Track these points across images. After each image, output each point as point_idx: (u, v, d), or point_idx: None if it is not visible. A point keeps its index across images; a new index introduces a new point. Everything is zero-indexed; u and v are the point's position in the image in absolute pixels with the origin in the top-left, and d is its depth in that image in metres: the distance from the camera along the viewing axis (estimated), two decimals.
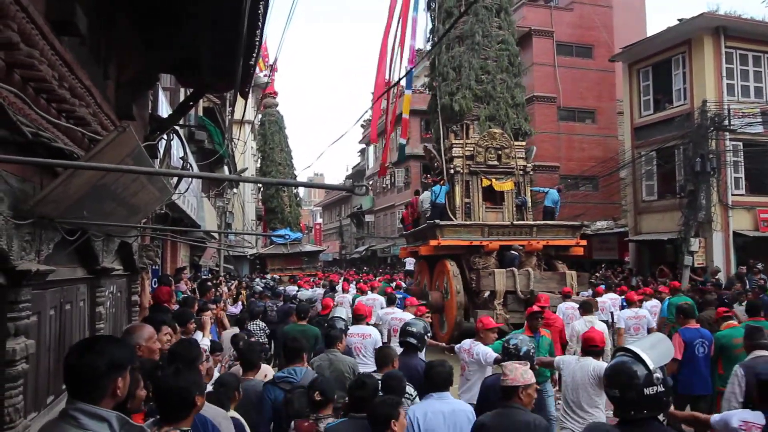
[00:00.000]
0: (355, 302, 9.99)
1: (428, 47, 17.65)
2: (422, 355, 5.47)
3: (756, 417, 3.39)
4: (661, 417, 2.72)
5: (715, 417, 3.67)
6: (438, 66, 15.31)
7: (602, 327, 7.34)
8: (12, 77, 2.53)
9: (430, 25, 16.38)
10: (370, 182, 39.85)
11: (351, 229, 50.49)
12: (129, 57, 4.95)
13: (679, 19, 17.74)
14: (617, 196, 22.39)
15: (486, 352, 5.32)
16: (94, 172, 2.70)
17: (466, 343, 5.74)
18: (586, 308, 8.00)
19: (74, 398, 2.01)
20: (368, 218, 43.99)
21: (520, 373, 3.46)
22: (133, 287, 5.87)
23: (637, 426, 2.55)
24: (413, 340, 5.05)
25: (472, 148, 13.81)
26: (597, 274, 18.25)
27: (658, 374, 2.60)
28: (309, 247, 31.22)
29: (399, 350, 5.21)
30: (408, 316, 7.59)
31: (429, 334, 5.46)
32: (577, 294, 11.44)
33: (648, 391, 2.55)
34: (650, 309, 9.82)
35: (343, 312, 7.67)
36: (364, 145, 47.68)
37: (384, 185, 39.18)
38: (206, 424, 3.01)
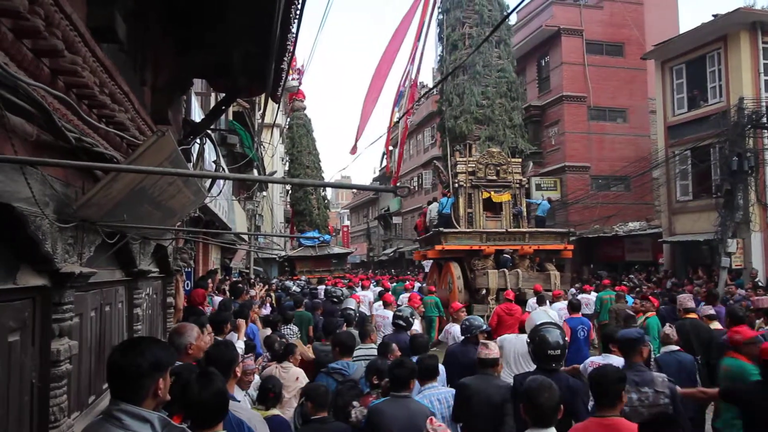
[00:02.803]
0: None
1: (437, 73, 18.79)
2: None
3: (601, 359, 5.12)
4: None
5: (580, 366, 5.23)
6: (444, 93, 17.41)
7: (554, 315, 8.20)
8: (56, 83, 2.58)
9: (439, 55, 18.25)
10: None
11: (378, 231, 50.51)
12: (164, 62, 5.03)
13: (713, 15, 17.36)
14: (650, 196, 21.93)
15: (457, 332, 7.06)
16: (134, 175, 2.73)
17: (448, 326, 7.82)
18: (541, 301, 9.89)
19: (117, 398, 2.04)
20: (396, 220, 43.91)
21: (497, 350, 4.43)
22: (168, 289, 5.96)
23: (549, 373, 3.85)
24: (401, 322, 6.81)
25: (473, 165, 15.50)
26: (630, 276, 17.89)
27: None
28: (337, 249, 31.24)
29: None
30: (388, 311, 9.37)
31: (414, 318, 7.17)
32: (565, 292, 12.88)
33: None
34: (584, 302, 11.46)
35: (352, 303, 9.19)
36: (391, 148, 47.62)
37: (411, 187, 39.12)
38: (242, 426, 3.02)
